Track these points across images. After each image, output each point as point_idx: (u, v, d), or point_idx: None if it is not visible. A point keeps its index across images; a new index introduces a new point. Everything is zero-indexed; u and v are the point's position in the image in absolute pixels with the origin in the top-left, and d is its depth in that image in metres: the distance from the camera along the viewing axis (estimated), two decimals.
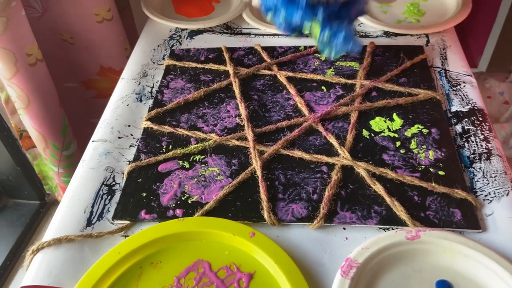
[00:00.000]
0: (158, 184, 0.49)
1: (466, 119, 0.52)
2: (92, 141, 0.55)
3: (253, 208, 0.45)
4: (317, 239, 0.43)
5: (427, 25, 0.66)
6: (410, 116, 0.53)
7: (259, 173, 0.48)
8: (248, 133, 0.52)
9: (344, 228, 0.44)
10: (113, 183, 0.50)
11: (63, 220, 0.46)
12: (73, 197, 0.48)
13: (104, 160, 0.52)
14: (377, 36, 0.67)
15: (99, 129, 0.56)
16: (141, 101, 0.60)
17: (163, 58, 0.67)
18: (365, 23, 0.68)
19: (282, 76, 0.60)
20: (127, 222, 0.46)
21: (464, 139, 0.50)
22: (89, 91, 0.85)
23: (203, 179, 0.49)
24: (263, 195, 0.46)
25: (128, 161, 0.52)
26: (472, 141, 0.50)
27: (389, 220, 0.43)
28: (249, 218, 0.45)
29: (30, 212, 1.11)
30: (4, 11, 0.62)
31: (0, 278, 1.01)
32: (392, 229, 0.43)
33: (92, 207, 0.47)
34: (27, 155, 0.96)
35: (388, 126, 0.52)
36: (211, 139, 0.52)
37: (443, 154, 0.48)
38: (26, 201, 1.13)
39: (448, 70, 0.60)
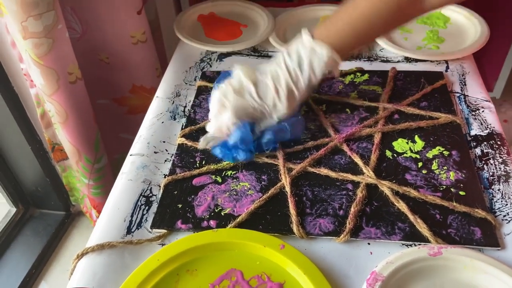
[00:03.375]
0: (192, 196, 0.52)
1: (485, 143, 0.55)
2: (130, 155, 0.58)
3: (283, 222, 0.48)
4: (343, 253, 0.46)
5: (447, 52, 0.69)
6: (431, 139, 0.56)
7: (288, 189, 0.51)
8: (279, 151, 0.55)
9: (369, 243, 0.46)
10: (150, 194, 0.53)
11: (105, 227, 0.50)
12: (114, 207, 0.52)
13: (141, 173, 0.56)
14: (398, 62, 0.70)
15: (136, 144, 0.60)
16: (174, 119, 0.64)
17: (195, 79, 0.71)
18: (386, 48, 0.72)
19: (308, 98, 0.64)
20: (164, 231, 0.49)
21: (483, 162, 0.53)
22: (120, 107, 0.89)
23: (234, 193, 0.52)
24: (292, 210, 0.49)
25: (164, 174, 0.56)
26: (491, 164, 0.52)
27: (412, 236, 0.46)
28: (278, 231, 0.48)
29: (56, 222, 1.16)
30: (50, 33, 0.67)
31: (25, 286, 1.04)
32: (415, 245, 0.45)
33: (132, 216, 0.51)
34: (57, 167, 1.01)
35: (410, 148, 0.55)
36: None
37: (463, 176, 0.51)
38: (52, 212, 1.17)
39: (467, 96, 0.63)
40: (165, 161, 0.58)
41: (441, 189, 0.50)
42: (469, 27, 0.75)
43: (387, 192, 0.49)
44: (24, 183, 1.10)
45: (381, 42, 0.72)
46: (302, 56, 0.53)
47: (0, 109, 0.90)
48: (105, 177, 0.88)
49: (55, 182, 1.09)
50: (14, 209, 1.13)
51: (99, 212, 0.95)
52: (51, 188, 1.09)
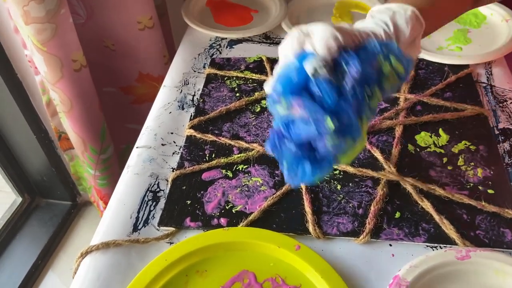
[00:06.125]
0: (202, 192, 0.49)
1: None
2: (136, 147, 0.56)
3: (298, 220, 0.45)
4: (363, 255, 0.43)
5: (465, 56, 0.62)
6: (457, 132, 0.52)
7: (303, 185, 0.48)
8: None
9: (390, 245, 0.43)
10: (158, 189, 0.50)
11: (110, 224, 0.47)
12: (120, 202, 0.49)
13: (148, 167, 0.53)
14: None
15: (143, 135, 0.57)
16: (183, 109, 0.61)
17: (204, 67, 0.68)
18: None
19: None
20: (172, 229, 0.46)
21: None
22: (127, 96, 0.86)
23: (246, 189, 0.49)
24: (307, 208, 0.46)
25: (172, 168, 0.53)
26: None
27: (438, 238, 0.43)
28: (293, 230, 0.45)
29: (62, 212, 1.14)
30: (53, 18, 0.64)
31: (31, 276, 1.03)
32: (441, 247, 0.42)
33: (138, 212, 0.48)
34: (64, 156, 0.99)
35: (434, 142, 0.52)
36: (254, 149, 0.53)
37: (492, 172, 0.48)
38: (58, 202, 1.16)
39: (494, 86, 0.59)
40: (173, 153, 0.55)
41: (468, 187, 0.46)
42: (503, 30, 0.67)
43: (410, 189, 0.46)
44: (29, 173, 1.09)
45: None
46: (381, 17, 0.39)
47: (5, 98, 0.88)
48: (111, 168, 0.85)
49: (61, 172, 1.07)
50: (20, 199, 1.12)
51: (105, 203, 0.93)
52: (57, 178, 1.07)
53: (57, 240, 1.11)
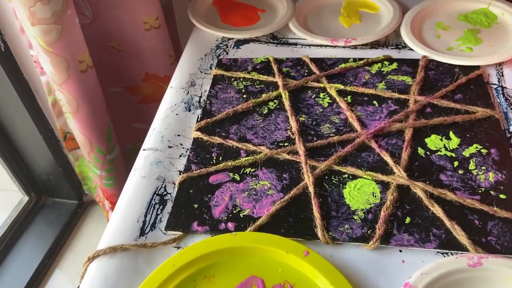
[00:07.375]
0: (209, 196, 0.49)
1: None
2: (143, 150, 0.55)
3: (306, 225, 0.45)
4: (373, 261, 0.42)
5: (476, 57, 0.61)
6: (468, 135, 0.51)
7: (311, 189, 0.47)
8: (300, 147, 0.52)
9: (401, 251, 0.43)
10: (165, 193, 0.50)
11: (117, 228, 0.47)
12: (127, 206, 0.49)
13: (155, 169, 0.53)
14: None
15: (150, 137, 0.57)
16: (189, 110, 0.61)
17: (211, 68, 0.68)
18: (409, 45, 0.65)
19: (332, 89, 0.59)
20: (179, 233, 0.46)
21: None
22: (133, 96, 0.86)
23: (254, 192, 0.49)
24: (316, 213, 0.45)
25: (179, 171, 0.52)
26: None
27: (449, 244, 0.42)
28: (302, 236, 0.44)
29: (68, 211, 1.14)
30: (59, 19, 0.63)
31: (38, 276, 1.04)
32: (452, 254, 0.42)
33: (145, 216, 0.48)
34: (70, 156, 0.99)
35: (444, 145, 0.51)
36: (261, 152, 0.52)
37: (504, 177, 0.47)
38: (65, 200, 1.16)
39: (505, 88, 0.58)
40: (180, 156, 0.54)
41: (480, 191, 0.46)
42: None
43: (421, 194, 0.45)
44: (36, 172, 1.09)
45: (406, 39, 0.66)
46: None
47: (11, 97, 0.88)
48: (117, 168, 0.85)
49: (67, 171, 1.07)
50: (26, 198, 1.12)
51: (111, 203, 0.93)
52: (63, 177, 1.08)
53: (63, 239, 1.11)
